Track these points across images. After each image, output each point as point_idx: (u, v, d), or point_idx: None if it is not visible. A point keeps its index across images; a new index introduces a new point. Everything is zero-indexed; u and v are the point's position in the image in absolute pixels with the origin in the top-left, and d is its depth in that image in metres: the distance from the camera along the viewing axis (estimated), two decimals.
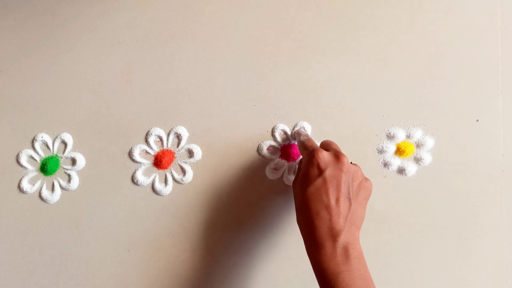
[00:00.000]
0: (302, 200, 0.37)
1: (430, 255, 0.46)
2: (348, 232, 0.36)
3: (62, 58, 0.48)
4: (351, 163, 0.39)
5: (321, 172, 0.37)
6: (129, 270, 0.46)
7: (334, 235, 0.35)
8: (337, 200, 0.36)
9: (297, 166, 0.46)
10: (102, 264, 0.46)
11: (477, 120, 0.46)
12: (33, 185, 0.46)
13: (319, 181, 0.37)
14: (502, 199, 0.46)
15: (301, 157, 0.45)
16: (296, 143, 0.46)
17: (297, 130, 0.46)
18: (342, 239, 0.35)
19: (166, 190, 0.46)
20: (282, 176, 0.46)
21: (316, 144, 0.41)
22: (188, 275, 0.46)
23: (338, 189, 0.37)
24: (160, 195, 0.46)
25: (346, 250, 0.35)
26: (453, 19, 0.47)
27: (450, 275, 0.46)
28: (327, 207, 0.36)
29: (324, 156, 0.37)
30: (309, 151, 0.39)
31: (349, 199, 0.37)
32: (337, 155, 0.38)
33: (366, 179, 0.40)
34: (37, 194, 0.46)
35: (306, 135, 0.43)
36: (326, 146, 0.41)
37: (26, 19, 0.48)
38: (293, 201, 0.46)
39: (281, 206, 0.46)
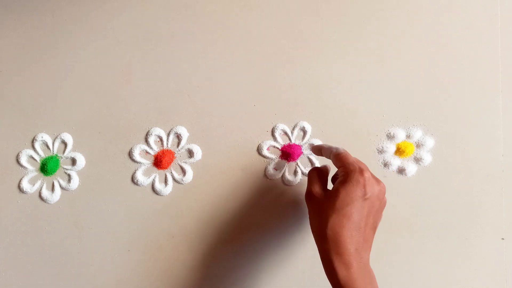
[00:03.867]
0: (336, 216, 0.36)
1: (430, 255, 0.46)
2: (367, 257, 0.37)
3: (62, 58, 0.48)
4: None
5: (364, 194, 0.36)
6: (129, 270, 0.46)
7: (360, 257, 0.36)
8: (367, 225, 0.37)
9: (299, 173, 0.46)
10: (102, 264, 0.46)
11: (503, 239, 0.46)
12: (33, 185, 0.46)
13: (360, 203, 0.36)
14: (502, 199, 0.46)
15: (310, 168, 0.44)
16: (309, 151, 0.46)
17: (320, 145, 0.43)
18: (365, 261, 0.36)
19: (166, 190, 0.46)
20: (282, 176, 0.46)
21: (357, 160, 0.39)
22: (188, 275, 0.46)
23: (371, 216, 0.37)
24: (160, 195, 0.46)
25: (369, 271, 0.36)
26: (453, 19, 0.47)
27: (450, 275, 0.46)
28: (359, 230, 0.36)
29: (370, 179, 0.37)
30: (354, 168, 0.37)
31: (375, 228, 0.38)
32: (378, 182, 0.38)
33: None
34: (37, 194, 0.46)
35: (344, 149, 0.40)
36: (359, 163, 0.39)
37: (26, 19, 0.48)
38: (293, 200, 0.46)
39: (281, 206, 0.46)
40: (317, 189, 0.39)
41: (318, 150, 0.43)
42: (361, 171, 0.37)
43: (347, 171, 0.37)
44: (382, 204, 0.38)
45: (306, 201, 0.40)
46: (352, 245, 0.35)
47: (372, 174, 0.38)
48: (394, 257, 0.46)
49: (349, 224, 0.36)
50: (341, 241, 0.35)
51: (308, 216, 0.40)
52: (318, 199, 0.38)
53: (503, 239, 0.46)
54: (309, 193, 0.40)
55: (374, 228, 0.38)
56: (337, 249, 0.35)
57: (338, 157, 0.39)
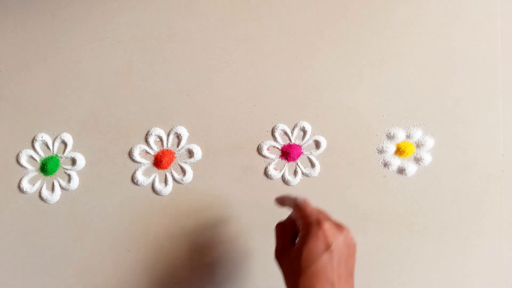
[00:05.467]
0: (304, 277, 0.34)
1: (430, 255, 0.46)
2: None
3: (62, 58, 0.48)
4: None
5: (328, 247, 0.34)
6: (129, 270, 0.46)
7: None
8: (340, 277, 0.34)
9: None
10: (102, 264, 0.46)
11: (502, 155, 0.46)
12: (33, 185, 0.46)
13: (325, 257, 0.34)
14: (502, 199, 0.47)
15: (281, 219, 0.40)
16: (285, 201, 0.40)
17: (282, 196, 0.40)
18: None
19: (166, 190, 0.46)
20: (282, 176, 0.46)
21: (315, 211, 0.36)
22: (188, 275, 0.46)
23: (342, 266, 0.34)
24: (160, 195, 0.46)
25: None
26: (453, 19, 0.47)
27: (450, 275, 0.46)
28: (332, 284, 0.34)
29: (330, 229, 0.34)
30: (312, 220, 0.35)
31: (351, 275, 0.35)
32: (340, 228, 0.35)
33: None
34: (37, 194, 0.46)
35: (303, 199, 0.38)
36: (318, 214, 0.37)
37: (26, 19, 0.48)
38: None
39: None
40: (283, 247, 0.37)
41: (281, 201, 0.40)
42: (319, 222, 0.35)
43: (305, 224, 0.35)
44: (351, 249, 0.36)
45: (276, 262, 0.37)
46: None
47: (333, 222, 0.36)
48: (394, 257, 0.46)
49: (320, 283, 0.33)
50: None
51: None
52: (286, 258, 0.36)
53: (502, 155, 0.45)
54: (276, 253, 0.38)
55: (350, 275, 0.35)
56: None
57: (296, 208, 0.37)
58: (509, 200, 0.47)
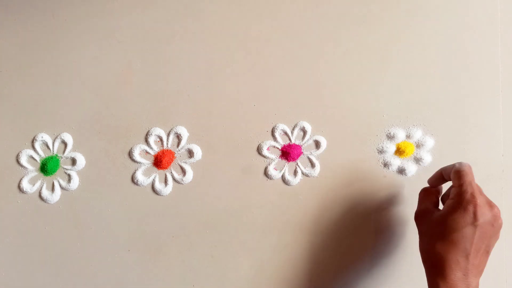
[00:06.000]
0: (443, 242, 0.36)
1: None
2: (477, 282, 0.36)
3: (62, 58, 0.48)
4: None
5: (474, 221, 0.35)
6: (129, 270, 0.46)
7: (468, 283, 0.35)
8: (478, 251, 0.36)
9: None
10: (102, 264, 0.46)
11: (502, 155, 0.46)
12: (33, 185, 0.46)
13: (469, 229, 0.35)
14: (502, 199, 0.46)
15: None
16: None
17: (438, 171, 0.41)
18: (474, 286, 0.35)
19: (166, 190, 0.46)
20: (282, 176, 0.46)
21: (473, 183, 0.38)
22: (188, 275, 0.46)
23: (482, 242, 0.36)
24: (160, 195, 0.46)
25: None
26: (453, 19, 0.47)
27: None
28: (467, 256, 0.35)
29: (482, 206, 0.36)
30: (466, 191, 0.36)
31: (488, 253, 0.37)
32: (492, 206, 0.37)
33: None
34: (37, 194, 0.46)
35: (468, 165, 0.39)
36: (475, 187, 0.38)
37: (26, 19, 0.48)
38: (295, 202, 0.46)
39: (281, 206, 0.46)
40: (425, 210, 0.40)
41: (438, 178, 0.41)
42: (473, 196, 0.36)
43: (460, 192, 0.37)
44: (496, 228, 0.37)
45: (415, 222, 0.40)
46: (458, 271, 0.35)
47: (486, 199, 0.37)
48: (394, 256, 0.46)
49: (455, 250, 0.35)
50: (447, 266, 0.35)
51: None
52: (427, 220, 0.39)
53: (502, 155, 0.45)
54: (417, 214, 0.40)
55: (487, 253, 0.37)
56: (443, 272, 0.36)
57: (457, 173, 0.38)
58: (509, 200, 0.46)
